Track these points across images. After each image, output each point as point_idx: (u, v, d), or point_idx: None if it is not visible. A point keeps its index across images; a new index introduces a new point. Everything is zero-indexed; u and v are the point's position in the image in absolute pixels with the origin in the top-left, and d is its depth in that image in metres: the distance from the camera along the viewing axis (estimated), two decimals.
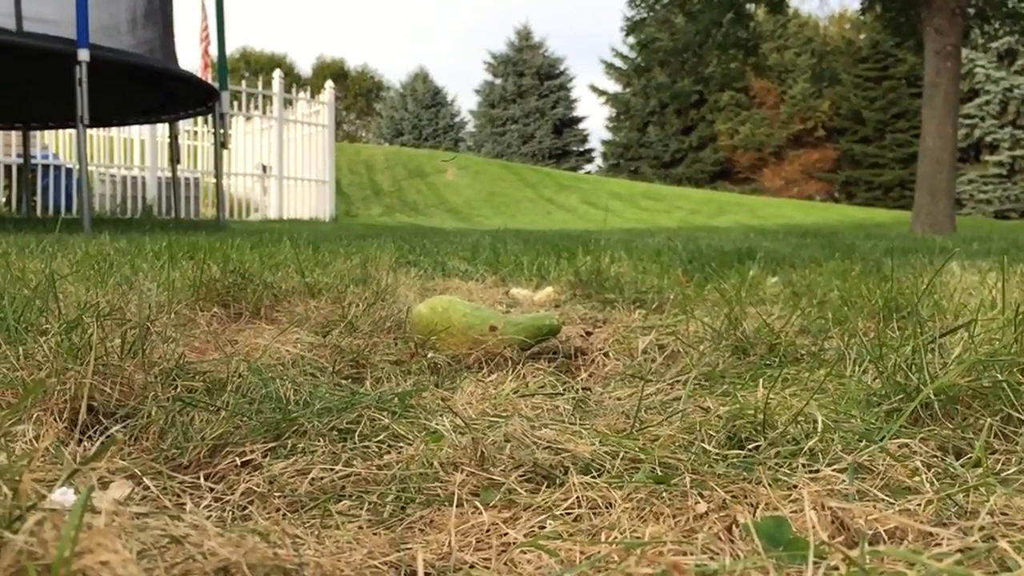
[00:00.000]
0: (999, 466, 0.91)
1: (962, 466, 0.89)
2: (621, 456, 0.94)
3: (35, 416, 1.00)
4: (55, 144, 13.30)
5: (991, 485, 0.81)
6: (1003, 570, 0.63)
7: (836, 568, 0.62)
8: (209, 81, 10.09)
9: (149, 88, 8.25)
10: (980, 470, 0.87)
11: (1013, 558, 0.62)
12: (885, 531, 0.72)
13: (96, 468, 0.85)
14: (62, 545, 0.53)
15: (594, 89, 43.74)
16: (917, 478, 0.85)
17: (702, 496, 0.80)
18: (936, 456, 0.93)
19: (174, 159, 10.00)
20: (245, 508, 0.84)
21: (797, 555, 0.65)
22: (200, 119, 13.35)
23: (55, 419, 1.02)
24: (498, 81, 45.70)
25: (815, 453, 0.92)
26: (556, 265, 3.12)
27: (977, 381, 1.09)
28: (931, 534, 0.72)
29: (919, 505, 0.78)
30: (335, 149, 15.67)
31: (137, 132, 13.34)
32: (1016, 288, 2.21)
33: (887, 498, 0.80)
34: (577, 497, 0.82)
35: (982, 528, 0.72)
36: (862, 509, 0.75)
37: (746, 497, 0.80)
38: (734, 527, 0.73)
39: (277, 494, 0.87)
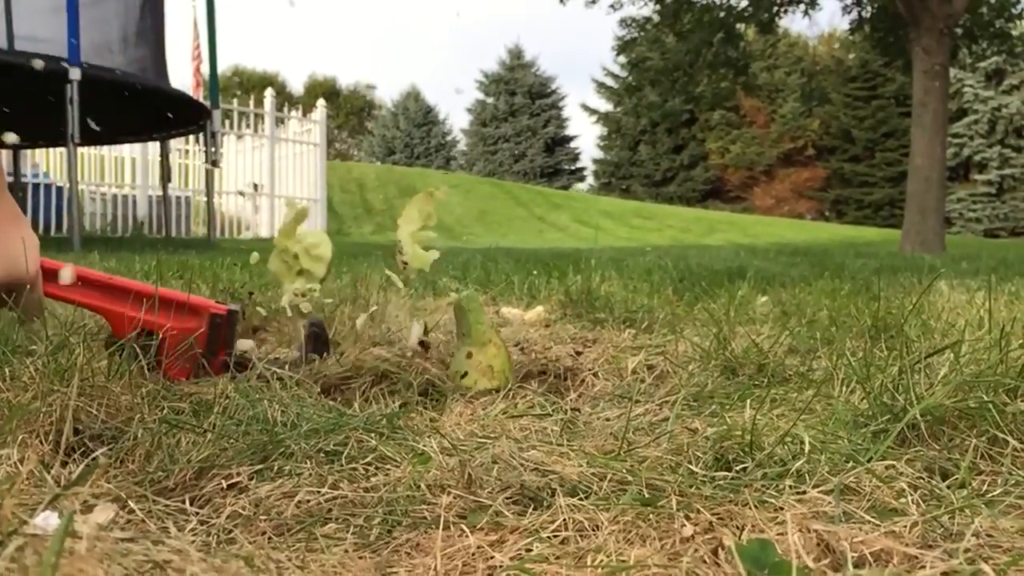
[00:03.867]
0: (984, 487, 0.91)
1: (948, 487, 0.90)
2: (608, 478, 0.94)
3: (20, 439, 1.00)
4: (45, 162, 13.28)
5: (976, 507, 0.81)
6: None
7: None
8: (201, 100, 10.10)
9: (140, 107, 8.26)
10: (965, 491, 0.88)
11: None
12: (870, 553, 0.72)
13: (80, 492, 0.85)
14: (43, 571, 0.52)
15: (585, 108, 44.06)
16: (903, 499, 0.86)
17: (688, 519, 0.80)
18: (922, 477, 0.93)
19: (165, 178, 9.99)
20: (231, 532, 0.84)
21: None
22: (191, 137, 13.35)
23: (40, 441, 1.01)
24: (490, 100, 45.92)
25: (802, 474, 0.92)
26: (547, 284, 3.12)
27: (963, 402, 1.09)
28: (916, 557, 0.72)
29: (905, 527, 0.78)
30: (327, 167, 15.70)
31: (128, 150, 13.33)
32: (1004, 307, 2.22)
33: (873, 520, 0.80)
34: (564, 519, 0.82)
35: (967, 550, 0.72)
36: (847, 531, 0.75)
37: (732, 519, 0.80)
38: (720, 550, 0.73)
39: (263, 517, 0.87)
